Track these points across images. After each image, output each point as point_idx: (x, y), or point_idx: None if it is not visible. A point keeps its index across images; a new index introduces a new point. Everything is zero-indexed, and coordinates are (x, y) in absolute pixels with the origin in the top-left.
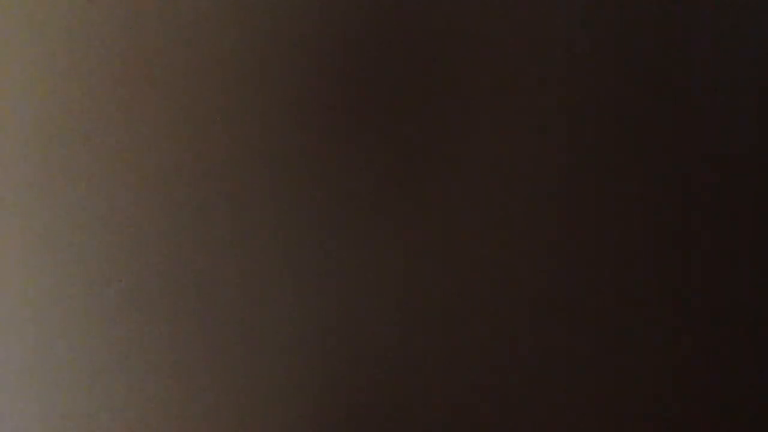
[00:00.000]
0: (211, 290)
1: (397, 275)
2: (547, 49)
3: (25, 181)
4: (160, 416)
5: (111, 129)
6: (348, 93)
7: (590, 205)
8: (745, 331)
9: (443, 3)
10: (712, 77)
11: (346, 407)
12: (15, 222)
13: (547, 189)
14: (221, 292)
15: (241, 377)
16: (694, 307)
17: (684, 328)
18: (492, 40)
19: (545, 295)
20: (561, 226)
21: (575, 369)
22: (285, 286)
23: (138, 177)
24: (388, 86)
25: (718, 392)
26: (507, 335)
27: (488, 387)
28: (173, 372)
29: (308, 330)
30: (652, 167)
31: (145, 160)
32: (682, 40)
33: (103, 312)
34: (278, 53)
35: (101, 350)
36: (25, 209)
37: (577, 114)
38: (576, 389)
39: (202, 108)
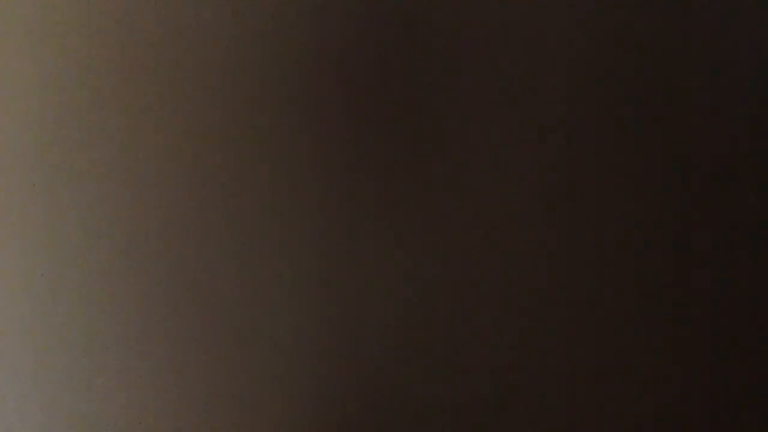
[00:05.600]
0: (211, 290)
1: (398, 275)
2: (547, 49)
3: (25, 181)
4: (160, 416)
5: (111, 129)
6: (348, 93)
7: (591, 204)
8: (745, 332)
9: (443, 3)
10: (713, 76)
11: (346, 408)
12: (15, 222)
13: (548, 189)
14: (221, 292)
15: (241, 378)
16: (695, 307)
17: (684, 327)
18: (492, 40)
19: (546, 295)
20: (562, 225)
21: (575, 369)
22: (285, 287)
23: (138, 177)
24: (389, 87)
25: (718, 392)
26: (508, 335)
27: (489, 387)
28: (173, 372)
29: (308, 330)
30: (652, 167)
31: (145, 161)
32: (682, 39)
33: (103, 312)
34: (279, 54)
35: (101, 350)
36: (25, 209)
37: (577, 114)
38: (576, 389)
39: (202, 108)
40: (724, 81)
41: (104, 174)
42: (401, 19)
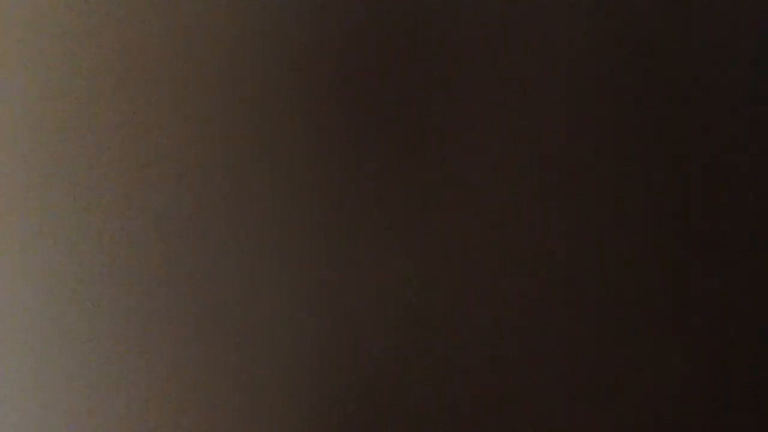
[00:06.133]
0: (211, 290)
1: (397, 276)
2: (546, 49)
3: (25, 181)
4: (160, 416)
5: (111, 129)
6: (348, 93)
7: (591, 205)
8: (745, 332)
9: (443, 3)
10: (713, 76)
11: (346, 408)
12: (14, 222)
13: (548, 189)
14: (221, 292)
15: (240, 378)
16: (694, 307)
17: (684, 328)
18: (492, 40)
19: (546, 295)
20: (562, 225)
21: (576, 369)
22: (285, 287)
23: (138, 177)
24: (389, 87)
25: (718, 392)
26: (508, 335)
27: (488, 388)
28: (173, 372)
29: (308, 330)
30: (652, 167)
31: (144, 161)
32: (682, 39)
33: (103, 312)
34: (278, 54)
35: (101, 351)
36: (24, 209)
37: (577, 114)
38: (576, 389)
39: (202, 109)
40: (725, 80)
41: (104, 174)
42: (401, 19)
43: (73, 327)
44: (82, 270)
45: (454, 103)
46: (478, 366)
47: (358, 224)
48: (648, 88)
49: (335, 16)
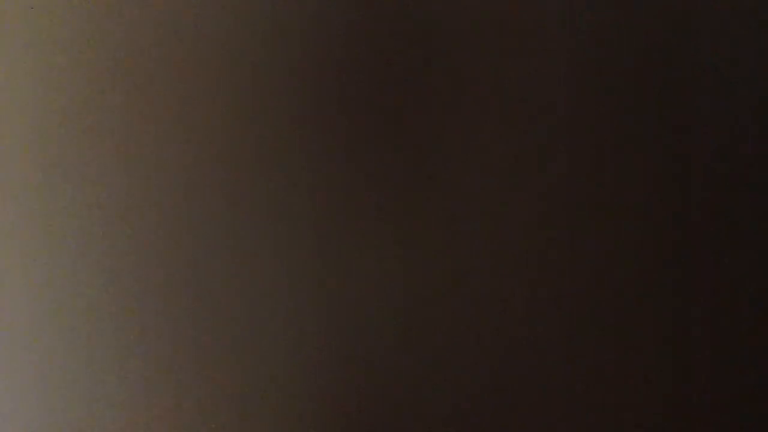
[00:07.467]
0: (211, 291)
1: (397, 277)
2: (547, 50)
3: (25, 181)
4: (159, 416)
5: (111, 129)
6: (349, 95)
7: (591, 205)
8: (745, 332)
9: (444, 3)
10: (713, 77)
11: (344, 409)
12: (15, 222)
13: (548, 191)
14: (221, 292)
15: (240, 378)
16: (694, 307)
17: (684, 328)
18: (493, 41)
19: (546, 297)
20: (561, 227)
21: (575, 369)
22: (284, 288)
23: (138, 177)
24: (390, 88)
25: (718, 392)
26: (507, 336)
27: (488, 388)
28: (173, 372)
29: (308, 331)
30: (653, 168)
31: (144, 161)
32: (682, 39)
33: (103, 312)
34: (279, 54)
35: (101, 350)
36: (25, 209)
37: (578, 115)
38: (576, 390)
39: (202, 109)
40: (726, 81)
41: (103, 174)
42: (402, 21)
43: (73, 327)
44: (83, 270)
45: (454, 103)
46: (477, 365)
47: (358, 224)
48: (648, 89)
49: (335, 17)
